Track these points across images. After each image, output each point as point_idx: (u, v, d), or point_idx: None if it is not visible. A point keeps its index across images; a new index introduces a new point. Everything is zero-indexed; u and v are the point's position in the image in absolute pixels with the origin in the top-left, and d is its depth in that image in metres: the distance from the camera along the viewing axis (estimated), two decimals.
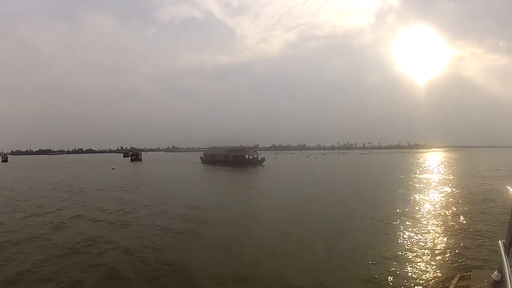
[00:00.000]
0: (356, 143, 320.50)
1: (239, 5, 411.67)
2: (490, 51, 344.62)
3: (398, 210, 16.55)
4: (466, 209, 16.66)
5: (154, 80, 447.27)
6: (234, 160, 66.17)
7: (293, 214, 16.48)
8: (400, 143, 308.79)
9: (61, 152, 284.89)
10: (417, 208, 17.55)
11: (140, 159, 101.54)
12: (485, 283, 3.49)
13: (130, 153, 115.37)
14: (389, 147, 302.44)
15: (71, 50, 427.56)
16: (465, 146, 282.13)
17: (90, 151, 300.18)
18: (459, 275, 4.74)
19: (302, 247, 10.94)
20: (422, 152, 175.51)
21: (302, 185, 30.49)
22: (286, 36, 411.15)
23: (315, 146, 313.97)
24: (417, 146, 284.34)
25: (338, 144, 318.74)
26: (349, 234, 12.37)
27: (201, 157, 78.21)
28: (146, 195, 24.34)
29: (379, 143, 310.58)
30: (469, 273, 4.33)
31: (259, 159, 66.35)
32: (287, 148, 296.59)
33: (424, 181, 31.26)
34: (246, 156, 67.33)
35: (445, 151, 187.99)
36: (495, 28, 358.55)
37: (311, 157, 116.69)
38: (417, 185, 27.72)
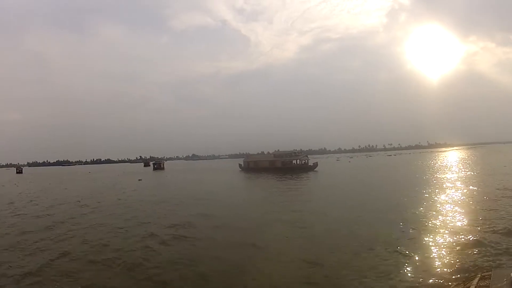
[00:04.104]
0: (376, 145, 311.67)
1: (252, 11, 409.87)
2: (502, 44, 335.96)
3: (431, 209, 16.61)
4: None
5: (170, 88, 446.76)
6: (282, 166, 58.00)
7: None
8: (420, 143, 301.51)
9: (79, 162, 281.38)
10: (450, 207, 17.19)
11: (163, 168, 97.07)
12: (505, 282, 3.36)
13: (152, 162, 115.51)
14: (409, 147, 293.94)
15: (85, 61, 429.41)
16: (484, 143, 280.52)
17: (108, 161, 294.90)
18: (479, 275, 4.47)
19: None
20: (445, 151, 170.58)
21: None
22: (300, 40, 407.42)
23: (336, 149, 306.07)
24: (436, 145, 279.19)
25: (359, 146, 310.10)
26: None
27: (240, 164, 68.42)
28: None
29: (399, 144, 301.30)
30: (490, 273, 4.20)
31: (311, 164, 58.42)
32: (309, 152, 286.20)
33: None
34: (296, 161, 59.49)
35: (467, 148, 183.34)
36: (505, 21, 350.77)
37: (341, 160, 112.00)
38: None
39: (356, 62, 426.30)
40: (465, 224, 13.39)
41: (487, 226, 12.52)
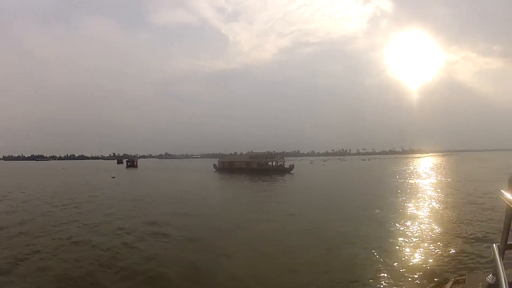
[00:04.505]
0: (350, 149, 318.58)
1: (233, 11, 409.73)
2: (483, 54, 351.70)
3: (405, 214, 17.21)
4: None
5: (147, 85, 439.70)
6: (258, 167, 58.39)
7: None
8: (394, 148, 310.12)
9: (53, 158, 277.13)
10: (424, 212, 17.75)
11: (136, 166, 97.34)
12: (480, 287, 3.38)
13: (126, 159, 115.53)
14: (383, 152, 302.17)
15: (62, 54, 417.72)
16: (459, 151, 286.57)
17: (82, 157, 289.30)
18: (453, 279, 4.49)
19: None
20: (419, 157, 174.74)
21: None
22: (280, 42, 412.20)
23: (308, 152, 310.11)
24: (411, 151, 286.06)
25: (333, 150, 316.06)
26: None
27: (215, 164, 68.23)
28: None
29: (373, 149, 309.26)
30: (463, 277, 4.15)
31: (287, 166, 58.99)
32: (282, 155, 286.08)
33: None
34: (271, 163, 59.96)
35: (442, 155, 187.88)
36: (488, 32, 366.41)
37: (315, 163, 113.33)
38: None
39: (336, 67, 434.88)
40: (439, 229, 13.63)
41: (462, 232, 12.88)
